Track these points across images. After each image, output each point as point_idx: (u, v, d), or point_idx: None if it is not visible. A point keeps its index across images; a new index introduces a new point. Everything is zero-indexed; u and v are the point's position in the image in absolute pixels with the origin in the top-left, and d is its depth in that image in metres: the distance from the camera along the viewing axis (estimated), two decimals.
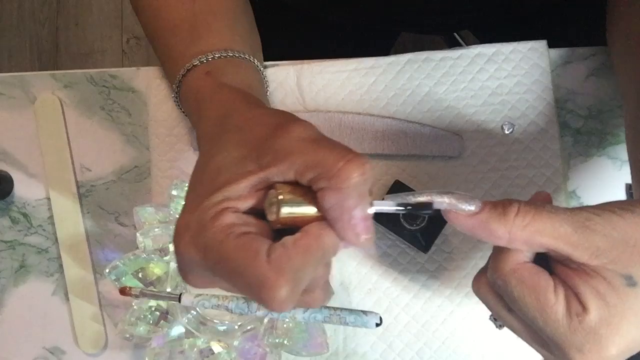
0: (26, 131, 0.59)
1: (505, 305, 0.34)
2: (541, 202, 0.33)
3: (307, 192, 0.32)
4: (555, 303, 0.31)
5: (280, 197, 0.32)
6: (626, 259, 0.31)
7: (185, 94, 0.43)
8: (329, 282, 0.36)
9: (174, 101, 0.45)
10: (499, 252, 0.34)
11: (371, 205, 0.33)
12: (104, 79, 0.60)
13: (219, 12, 0.46)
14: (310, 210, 0.32)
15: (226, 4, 0.47)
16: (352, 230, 0.31)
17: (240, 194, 0.32)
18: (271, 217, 0.32)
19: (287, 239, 0.31)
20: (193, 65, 0.42)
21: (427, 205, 0.34)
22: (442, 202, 0.33)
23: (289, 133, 0.32)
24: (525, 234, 0.31)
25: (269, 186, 0.33)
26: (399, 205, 0.34)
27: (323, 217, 0.32)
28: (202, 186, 0.34)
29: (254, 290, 0.31)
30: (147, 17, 0.47)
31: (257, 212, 0.33)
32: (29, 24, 1.55)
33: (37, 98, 0.59)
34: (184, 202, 0.35)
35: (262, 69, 0.46)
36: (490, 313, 0.37)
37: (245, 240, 0.31)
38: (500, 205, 0.32)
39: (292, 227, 0.33)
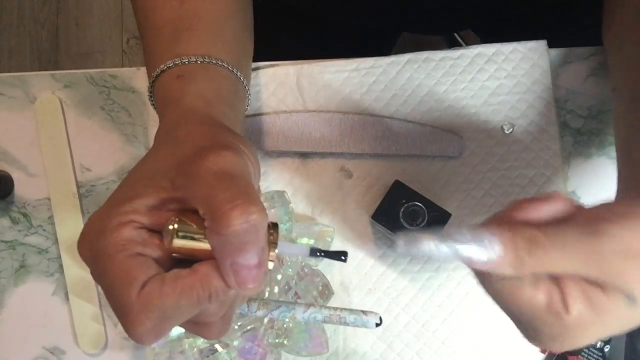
0: (26, 131, 0.59)
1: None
2: (556, 219, 0.31)
3: None
4: (533, 297, 0.30)
5: (175, 226, 0.31)
6: (631, 274, 0.29)
7: (157, 93, 0.43)
8: (229, 318, 0.35)
9: (149, 100, 0.45)
10: None
11: (275, 249, 0.33)
12: (104, 79, 0.60)
13: (205, 17, 0.45)
14: (205, 245, 0.31)
15: (214, 8, 0.46)
16: (234, 276, 0.30)
17: (146, 209, 0.32)
18: (166, 244, 0.32)
19: (171, 274, 0.31)
20: (167, 67, 0.42)
21: (343, 253, 0.34)
22: (461, 254, 0.30)
23: (203, 161, 0.32)
24: (534, 271, 0.30)
25: (178, 209, 0.32)
26: (311, 253, 0.34)
27: None
28: (120, 191, 0.33)
29: (118, 316, 0.31)
30: (139, 17, 0.48)
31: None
32: (29, 24, 1.55)
33: (37, 98, 0.59)
34: None
35: (242, 77, 0.45)
36: None
37: (131, 263, 0.31)
38: (512, 253, 0.30)
39: (190, 257, 0.32)
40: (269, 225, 0.33)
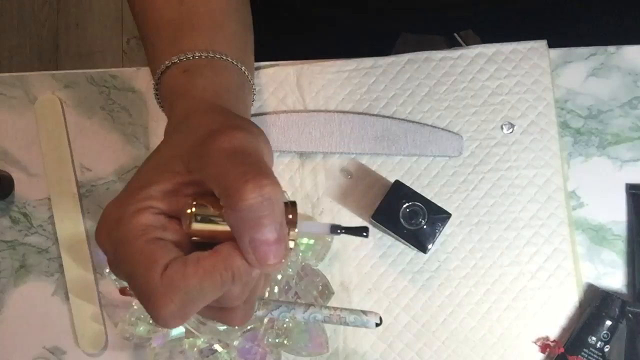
0: (26, 131, 0.59)
1: None
2: None
3: None
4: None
5: (193, 209, 0.31)
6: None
7: (162, 90, 0.44)
8: (253, 302, 0.35)
9: (155, 98, 0.45)
10: None
11: (294, 228, 0.32)
12: (104, 79, 0.60)
13: (205, 13, 0.46)
14: (223, 227, 0.31)
15: (213, 7, 0.46)
16: (254, 253, 0.30)
17: (163, 195, 0.32)
18: (185, 228, 0.32)
19: (193, 255, 0.31)
20: (172, 63, 0.42)
21: (365, 229, 0.34)
22: None
23: (215, 141, 0.32)
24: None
25: (195, 193, 0.32)
26: (332, 230, 0.34)
27: None
28: (136, 180, 0.34)
29: (142, 300, 0.30)
30: (139, 19, 0.48)
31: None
32: (29, 24, 1.55)
33: (38, 98, 0.59)
34: None
35: (246, 72, 0.45)
36: None
37: (152, 248, 0.30)
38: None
39: (210, 240, 0.32)
40: (287, 204, 0.32)
